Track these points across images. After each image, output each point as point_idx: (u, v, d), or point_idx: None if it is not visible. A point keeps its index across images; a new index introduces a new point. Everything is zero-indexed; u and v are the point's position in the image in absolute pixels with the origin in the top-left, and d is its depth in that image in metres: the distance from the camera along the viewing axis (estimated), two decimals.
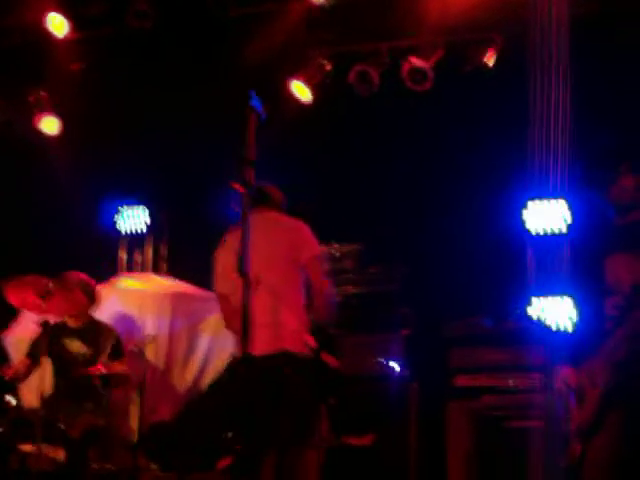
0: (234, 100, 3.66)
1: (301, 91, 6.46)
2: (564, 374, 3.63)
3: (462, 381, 5.38)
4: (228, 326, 4.30)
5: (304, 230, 4.24)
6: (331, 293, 4.33)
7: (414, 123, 6.27)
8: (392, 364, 5.52)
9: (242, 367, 3.73)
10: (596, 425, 3.37)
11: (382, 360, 5.53)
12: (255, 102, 3.63)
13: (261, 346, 3.59)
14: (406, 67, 6.20)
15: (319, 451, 4.30)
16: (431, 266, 6.00)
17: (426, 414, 5.38)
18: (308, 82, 6.44)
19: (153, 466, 5.42)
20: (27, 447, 4.69)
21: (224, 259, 4.16)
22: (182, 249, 6.73)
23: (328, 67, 6.45)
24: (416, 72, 6.18)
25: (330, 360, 4.32)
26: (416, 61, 6.19)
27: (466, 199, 6.11)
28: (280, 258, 4.10)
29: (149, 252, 6.73)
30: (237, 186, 3.35)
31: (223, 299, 4.22)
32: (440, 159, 6.19)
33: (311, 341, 4.18)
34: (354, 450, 5.26)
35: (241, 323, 3.00)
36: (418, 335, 5.61)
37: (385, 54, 6.34)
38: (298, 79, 6.45)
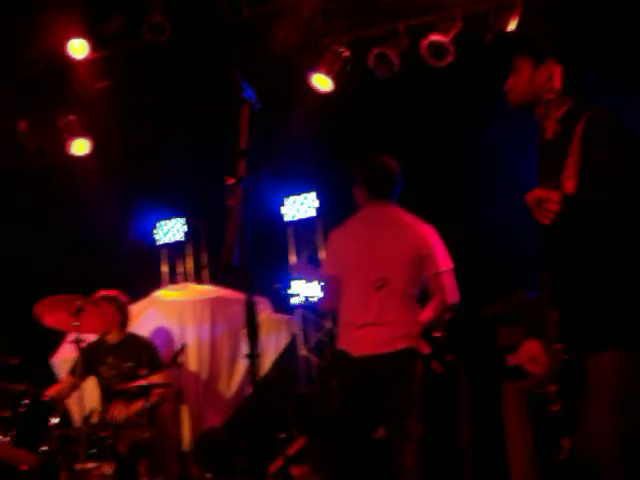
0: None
1: (322, 82, 6.35)
2: None
3: (513, 360, 5.18)
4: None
5: (434, 237, 4.30)
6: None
7: (437, 100, 6.09)
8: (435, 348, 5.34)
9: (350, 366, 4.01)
10: None
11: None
12: (248, 93, 3.56)
13: (380, 344, 3.97)
14: (425, 44, 6.02)
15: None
16: (468, 242, 5.80)
17: (477, 397, 5.19)
18: (328, 72, 6.32)
19: (207, 474, 5.39)
20: (76, 464, 4.71)
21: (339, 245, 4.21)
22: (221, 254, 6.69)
23: (346, 54, 6.32)
24: (436, 48, 6.00)
25: (437, 367, 4.28)
26: (435, 37, 6.01)
27: (500, 173, 5.90)
28: (408, 262, 4.16)
29: (190, 262, 6.71)
30: (229, 179, 3.28)
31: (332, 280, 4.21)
32: (467, 134, 5.99)
33: (426, 347, 4.22)
34: None
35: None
36: (460, 316, 5.42)
37: (402, 34, 6.17)
38: (317, 71, 6.35)
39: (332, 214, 6.09)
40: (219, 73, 6.34)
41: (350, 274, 4.14)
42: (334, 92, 6.30)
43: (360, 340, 4.07)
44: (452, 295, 4.25)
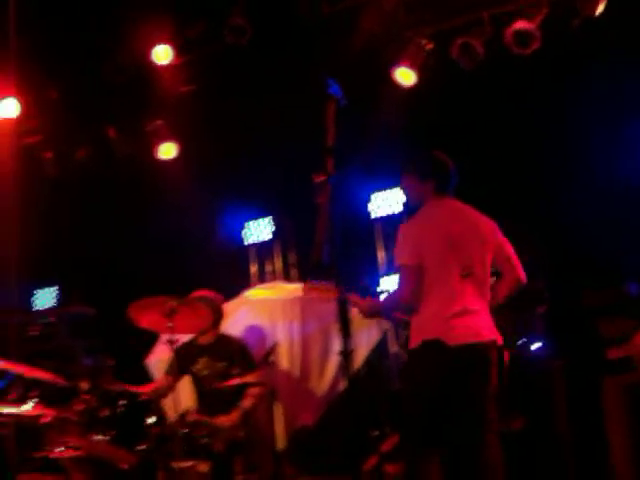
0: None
1: (405, 75, 6.29)
2: None
3: (614, 353, 5.01)
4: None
5: (497, 227, 4.39)
6: None
7: (524, 89, 5.95)
8: (532, 343, 5.22)
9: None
10: None
11: (521, 340, 5.25)
12: (334, 89, 3.55)
13: (472, 334, 4.02)
14: (510, 32, 5.89)
15: None
16: (564, 235, 5.65)
17: (576, 392, 5.04)
18: (411, 65, 6.25)
19: (301, 473, 5.40)
20: (174, 463, 4.78)
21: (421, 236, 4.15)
22: (310, 252, 6.71)
23: (429, 46, 6.23)
24: (521, 35, 5.86)
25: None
26: (520, 24, 5.87)
27: (596, 162, 5.73)
28: (486, 252, 4.24)
29: (278, 261, 6.74)
30: (318, 176, 3.27)
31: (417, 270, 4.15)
32: (557, 120, 5.83)
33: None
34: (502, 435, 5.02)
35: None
36: (558, 309, 5.28)
37: (486, 22, 6.05)
38: (401, 64, 6.28)
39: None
40: (303, 71, 6.35)
41: (435, 263, 4.12)
42: (420, 85, 6.23)
43: (454, 329, 4.04)
44: (523, 274, 4.34)
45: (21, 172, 7.62)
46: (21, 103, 7.26)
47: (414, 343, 4.13)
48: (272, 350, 5.11)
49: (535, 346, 5.21)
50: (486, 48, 6.01)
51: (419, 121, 6.23)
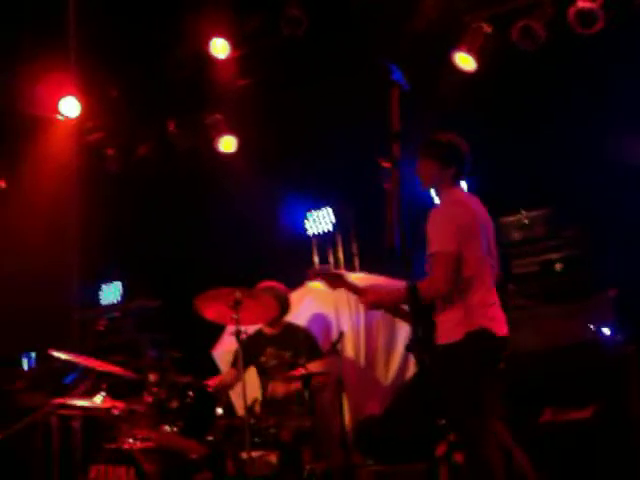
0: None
1: (464, 61, 6.20)
2: None
3: None
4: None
5: None
6: None
7: (587, 70, 5.81)
8: (602, 329, 5.10)
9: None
10: None
11: (591, 326, 5.14)
12: (396, 75, 3.51)
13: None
14: (572, 11, 5.76)
15: None
16: (631, 218, 5.52)
17: None
18: (470, 50, 6.16)
19: (369, 461, 5.38)
20: (242, 453, 4.81)
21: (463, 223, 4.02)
22: (371, 243, 6.68)
23: (488, 30, 6.13)
24: (585, 15, 5.72)
25: None
26: (583, 3, 5.74)
27: None
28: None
29: (340, 251, 6.72)
30: (384, 162, 3.25)
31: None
32: (619, 106, 5.67)
33: None
34: (574, 424, 4.93)
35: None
36: (629, 294, 5.16)
37: (547, 3, 5.92)
38: (460, 50, 6.20)
39: (482, 196, 5.93)
40: (360, 59, 6.31)
41: (476, 251, 4.00)
42: (480, 69, 6.14)
43: (496, 321, 4.01)
44: None
45: (84, 170, 7.77)
46: (82, 102, 7.39)
47: (453, 335, 3.97)
48: (339, 339, 5.10)
49: (606, 331, 5.09)
50: (547, 29, 5.88)
51: (479, 106, 6.12)
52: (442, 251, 3.93)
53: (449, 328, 4.00)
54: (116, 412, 5.06)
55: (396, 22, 6.14)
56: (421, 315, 3.88)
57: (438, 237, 3.98)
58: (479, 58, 6.16)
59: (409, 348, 3.30)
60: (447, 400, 3.93)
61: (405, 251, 2.95)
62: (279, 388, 5.20)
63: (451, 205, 4.14)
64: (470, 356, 3.93)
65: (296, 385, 5.15)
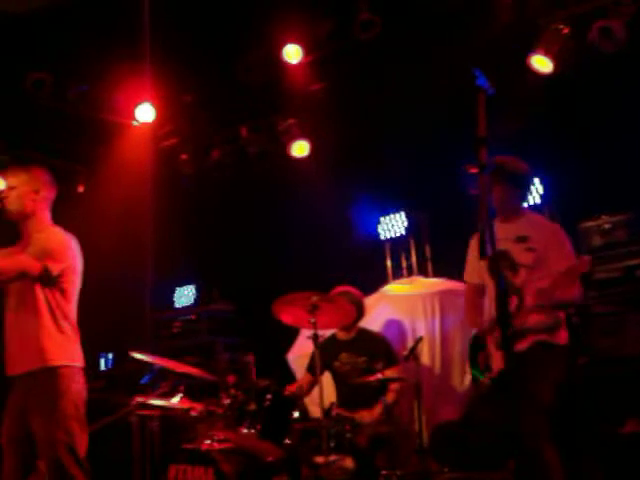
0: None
1: (541, 63, 6.10)
2: None
3: None
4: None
5: None
6: None
7: None
8: None
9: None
10: None
11: None
12: (481, 80, 3.48)
13: None
14: None
15: None
16: None
17: None
18: (546, 52, 6.06)
19: (444, 468, 5.34)
20: (318, 458, 4.82)
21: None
22: (445, 247, 6.63)
23: (565, 31, 6.03)
24: None
25: None
26: None
27: None
28: None
29: (413, 255, 6.69)
30: (471, 167, 3.22)
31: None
32: None
33: None
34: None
35: None
36: None
37: (628, 1, 5.78)
38: (536, 52, 6.11)
39: (562, 201, 5.84)
40: (435, 63, 6.29)
41: None
42: (557, 72, 6.04)
43: None
44: None
45: (159, 175, 7.89)
46: (157, 108, 7.51)
47: (563, 339, 4.33)
48: (417, 344, 5.08)
49: None
50: (628, 29, 5.74)
51: (557, 108, 6.03)
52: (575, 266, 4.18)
53: (558, 332, 4.29)
54: (194, 413, 5.13)
55: (472, 25, 6.09)
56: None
57: (569, 253, 4.38)
58: (556, 60, 6.06)
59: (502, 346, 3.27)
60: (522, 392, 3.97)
61: (495, 256, 2.92)
62: (365, 417, 5.21)
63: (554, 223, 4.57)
64: (569, 361, 4.27)
65: (379, 410, 5.23)
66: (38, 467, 4.02)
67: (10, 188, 4.14)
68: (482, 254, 2.83)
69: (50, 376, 3.92)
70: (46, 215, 4.22)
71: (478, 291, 4.69)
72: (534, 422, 4.09)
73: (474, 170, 3.19)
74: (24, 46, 7.53)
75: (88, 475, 3.93)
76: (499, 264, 2.94)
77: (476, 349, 4.60)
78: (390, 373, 5.26)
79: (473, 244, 4.65)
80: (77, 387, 4.00)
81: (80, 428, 3.95)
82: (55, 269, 3.96)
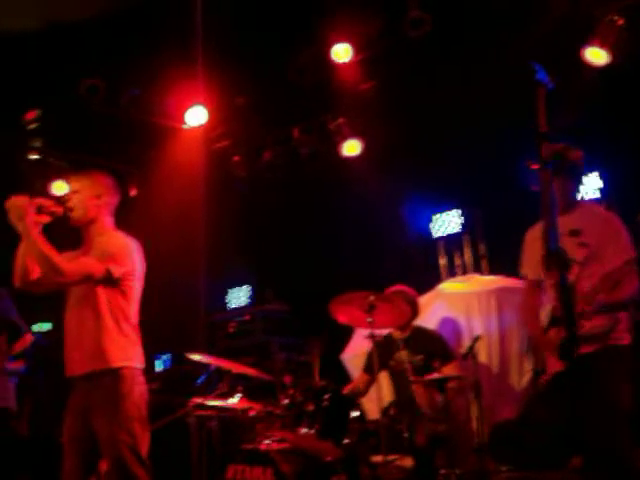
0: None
1: (597, 55, 6.01)
2: None
3: None
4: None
5: None
6: None
7: None
8: None
9: None
10: None
11: None
12: (540, 74, 3.44)
13: None
14: None
15: None
16: None
17: None
18: (602, 44, 5.97)
19: (502, 467, 5.29)
20: (376, 457, 4.81)
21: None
22: (500, 244, 6.56)
23: (620, 22, 5.92)
24: None
25: None
26: None
27: None
28: None
29: (468, 253, 6.63)
30: (532, 164, 3.18)
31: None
32: None
33: None
34: None
35: None
36: None
37: None
38: (592, 44, 6.02)
39: (620, 195, 5.74)
40: (486, 59, 6.23)
41: None
42: (612, 64, 5.95)
43: None
44: None
45: (211, 177, 7.96)
46: (209, 110, 7.56)
47: (627, 339, 4.14)
48: (475, 342, 5.04)
49: None
50: None
51: (616, 101, 5.93)
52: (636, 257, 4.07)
53: (623, 330, 4.13)
54: (253, 413, 5.17)
55: (525, 19, 6.01)
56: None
57: (624, 245, 4.16)
58: (612, 52, 5.96)
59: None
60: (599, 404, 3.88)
61: (561, 253, 2.88)
62: (422, 399, 5.17)
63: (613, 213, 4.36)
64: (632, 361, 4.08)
65: (437, 398, 5.14)
66: (98, 468, 4.07)
67: (73, 193, 4.19)
68: (547, 251, 2.79)
69: (112, 377, 3.94)
70: (108, 220, 4.24)
71: (536, 287, 4.51)
72: (618, 435, 3.96)
73: (535, 166, 3.15)
74: (77, 53, 7.67)
75: (150, 474, 3.95)
76: (559, 261, 2.88)
77: None
78: (448, 370, 5.22)
79: (529, 238, 4.51)
80: (139, 388, 4.02)
81: (142, 429, 3.97)
82: (117, 272, 4.00)
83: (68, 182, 4.29)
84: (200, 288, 8.01)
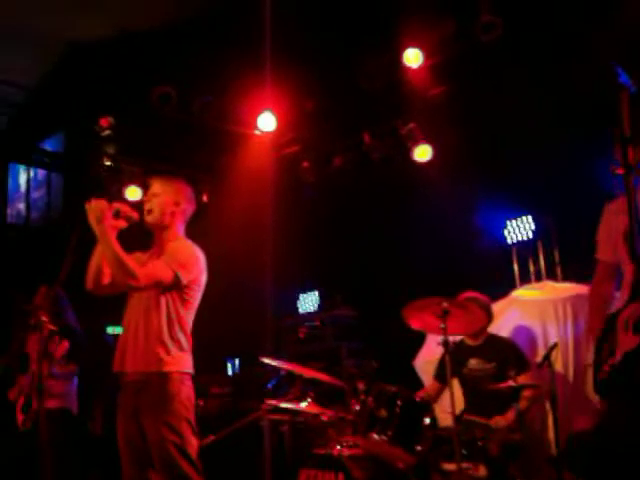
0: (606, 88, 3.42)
1: None
2: None
3: None
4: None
5: None
6: None
7: None
8: None
9: None
10: None
11: None
12: (623, 77, 3.37)
13: None
14: None
15: None
16: None
17: None
18: None
19: None
20: (448, 465, 4.76)
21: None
22: (574, 250, 6.44)
23: None
24: None
25: None
26: None
27: None
28: None
29: (541, 259, 6.53)
30: (617, 169, 3.11)
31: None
32: None
33: None
34: None
35: None
36: None
37: None
38: None
39: None
40: (558, 63, 6.13)
41: None
42: None
43: None
44: None
45: (280, 182, 8.02)
46: (278, 116, 7.62)
47: None
48: (551, 350, 4.94)
49: None
50: None
51: None
52: None
53: None
54: (325, 418, 5.17)
55: (600, 20, 5.89)
56: None
57: None
58: None
59: None
60: None
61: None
62: (499, 422, 5.09)
63: None
64: None
65: (512, 415, 5.06)
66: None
67: (153, 195, 4.25)
68: (633, 257, 2.72)
69: (161, 380, 3.96)
70: (181, 228, 4.30)
71: (612, 271, 4.08)
72: None
73: (620, 171, 3.08)
74: (149, 61, 7.82)
75: (201, 475, 3.96)
76: None
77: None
78: (523, 380, 5.14)
79: (607, 217, 4.10)
80: (187, 390, 4.03)
81: (191, 430, 3.99)
82: (185, 279, 4.06)
83: (150, 184, 4.35)
84: (270, 293, 8.06)
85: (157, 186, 4.29)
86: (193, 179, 8.14)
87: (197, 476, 3.92)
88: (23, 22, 7.80)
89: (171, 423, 3.90)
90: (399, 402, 4.92)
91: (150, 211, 4.21)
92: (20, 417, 5.89)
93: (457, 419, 4.84)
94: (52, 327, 5.25)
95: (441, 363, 5.40)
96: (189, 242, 4.24)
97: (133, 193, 7.66)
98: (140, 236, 4.29)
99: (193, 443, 3.96)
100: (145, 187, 4.58)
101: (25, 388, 5.92)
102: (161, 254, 4.15)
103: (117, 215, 4.06)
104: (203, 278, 4.19)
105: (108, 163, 7.92)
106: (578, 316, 5.62)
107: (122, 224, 4.09)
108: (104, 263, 4.08)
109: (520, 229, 6.60)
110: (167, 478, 3.89)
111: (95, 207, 3.96)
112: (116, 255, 3.90)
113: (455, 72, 6.93)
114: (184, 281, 4.05)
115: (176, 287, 4.05)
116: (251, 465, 5.82)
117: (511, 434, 5.04)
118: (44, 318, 4.33)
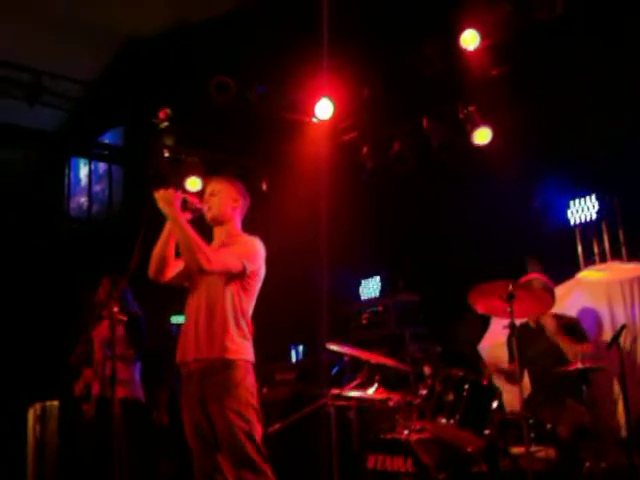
0: None
1: None
2: None
3: None
4: None
5: None
6: None
7: None
8: None
9: None
10: None
11: None
12: None
13: None
14: None
15: None
16: None
17: None
18: None
19: None
20: (518, 448, 4.74)
21: None
22: (639, 230, 6.32)
23: None
24: None
25: None
26: None
27: None
28: None
29: (605, 240, 6.41)
30: None
31: None
32: None
33: None
34: None
35: None
36: None
37: None
38: None
39: None
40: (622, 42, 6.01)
41: None
42: None
43: None
44: None
45: (339, 169, 8.02)
46: (336, 103, 7.61)
47: None
48: (620, 332, 4.88)
49: None
50: None
51: None
52: None
53: None
54: (392, 403, 5.19)
55: None
56: None
57: None
58: None
59: None
60: None
61: None
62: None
63: None
64: None
65: None
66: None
67: (211, 195, 4.36)
68: None
69: (226, 367, 4.02)
70: (239, 223, 4.42)
71: None
72: None
73: None
74: (206, 51, 7.89)
75: (267, 461, 4.01)
76: None
77: None
78: (584, 349, 5.10)
79: None
80: (251, 378, 4.09)
81: (256, 416, 4.04)
82: (250, 269, 4.14)
83: (207, 184, 4.46)
84: (333, 279, 8.08)
85: (213, 185, 4.41)
86: (252, 168, 8.27)
87: (264, 462, 3.98)
88: (81, 16, 7.96)
89: (238, 410, 3.96)
90: (466, 386, 4.93)
91: (210, 208, 4.30)
92: (85, 407, 6.05)
93: (526, 402, 4.82)
94: (123, 317, 5.42)
95: (510, 346, 5.37)
96: (251, 236, 4.33)
97: (193, 184, 7.74)
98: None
99: (259, 429, 4.03)
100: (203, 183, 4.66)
101: (89, 379, 6.08)
102: (226, 246, 4.23)
103: (185, 205, 4.13)
104: (263, 270, 4.27)
105: (167, 155, 8.01)
106: None
107: (188, 216, 4.16)
108: (167, 253, 4.19)
109: (583, 209, 6.49)
110: (235, 463, 3.95)
111: (164, 194, 4.05)
112: (189, 237, 3.96)
113: (513, 52, 6.82)
114: (249, 271, 4.13)
115: (241, 277, 4.13)
116: (317, 451, 5.87)
117: (581, 416, 5.00)
118: (115, 309, 4.43)
